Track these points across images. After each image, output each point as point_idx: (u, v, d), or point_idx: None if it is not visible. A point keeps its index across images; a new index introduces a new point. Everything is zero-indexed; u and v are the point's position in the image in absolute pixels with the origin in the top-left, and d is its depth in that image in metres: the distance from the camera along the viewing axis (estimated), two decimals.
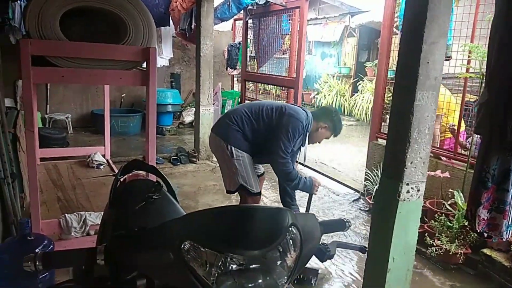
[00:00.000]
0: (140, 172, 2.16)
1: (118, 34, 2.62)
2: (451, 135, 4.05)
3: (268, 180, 5.07)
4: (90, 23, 2.72)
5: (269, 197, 4.66)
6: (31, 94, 2.28)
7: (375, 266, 2.54)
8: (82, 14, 2.63)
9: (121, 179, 1.97)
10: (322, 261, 1.06)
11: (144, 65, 2.68)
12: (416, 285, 2.96)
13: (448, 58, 3.65)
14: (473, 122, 2.57)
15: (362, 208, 4.44)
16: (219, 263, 0.79)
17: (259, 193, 3.08)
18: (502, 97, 1.38)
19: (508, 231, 1.57)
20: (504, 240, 1.73)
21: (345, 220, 1.13)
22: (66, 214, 2.81)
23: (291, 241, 0.88)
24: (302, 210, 3.23)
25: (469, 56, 3.52)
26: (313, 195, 3.00)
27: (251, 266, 0.82)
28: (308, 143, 3.04)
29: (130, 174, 2.02)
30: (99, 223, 2.81)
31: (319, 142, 3.10)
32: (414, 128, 2.23)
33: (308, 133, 2.94)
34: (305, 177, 2.93)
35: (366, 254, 1.46)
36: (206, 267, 0.80)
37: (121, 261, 0.87)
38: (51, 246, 2.36)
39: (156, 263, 0.83)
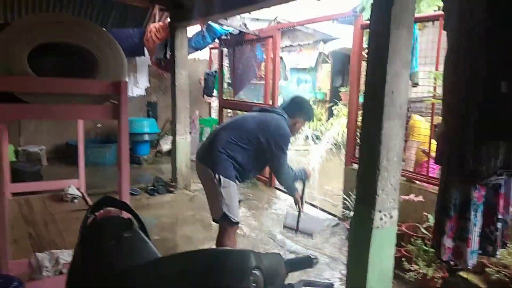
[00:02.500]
0: (112, 209, 2.13)
1: (90, 68, 2.63)
2: (426, 159, 4.13)
3: (248, 208, 5.05)
4: (62, 58, 2.71)
5: (250, 224, 4.62)
6: None
7: None
8: (54, 49, 2.63)
9: (92, 217, 1.93)
10: None
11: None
12: None
13: (415, 85, 3.79)
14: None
15: (341, 234, 4.44)
16: None
17: (238, 222, 3.10)
18: (458, 129, 1.44)
19: (473, 257, 1.61)
20: (469, 268, 1.77)
21: (311, 257, 1.13)
22: (37, 253, 2.72)
23: (254, 284, 0.88)
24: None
25: (435, 84, 3.65)
26: (307, 182, 3.42)
27: None
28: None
29: (101, 211, 1.99)
30: None
31: (297, 133, 3.39)
32: (383, 156, 2.29)
33: None
34: (299, 170, 3.30)
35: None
36: None
37: None
38: None
39: None
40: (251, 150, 2.98)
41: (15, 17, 6.21)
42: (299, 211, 3.39)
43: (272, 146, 2.95)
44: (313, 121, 3.46)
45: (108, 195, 2.07)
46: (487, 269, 2.93)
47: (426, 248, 3.33)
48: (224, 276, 0.85)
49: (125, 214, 2.11)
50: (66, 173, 6.42)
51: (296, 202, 3.34)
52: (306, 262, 1.12)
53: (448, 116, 1.50)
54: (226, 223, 2.99)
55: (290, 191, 3.34)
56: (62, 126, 7.59)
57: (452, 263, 1.63)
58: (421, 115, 4.39)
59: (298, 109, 3.17)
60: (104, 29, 2.73)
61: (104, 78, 2.53)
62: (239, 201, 3.33)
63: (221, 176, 2.90)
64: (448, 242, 1.57)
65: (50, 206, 4.20)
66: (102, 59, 2.52)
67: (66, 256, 2.80)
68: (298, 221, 3.44)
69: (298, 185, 3.36)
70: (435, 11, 4.46)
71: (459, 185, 1.51)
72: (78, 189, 4.54)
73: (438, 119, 4.08)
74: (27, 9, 6.10)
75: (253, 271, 0.88)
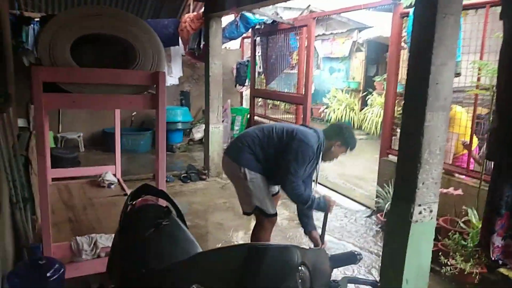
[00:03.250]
0: (150, 196, 2.17)
1: (128, 59, 2.66)
2: (465, 152, 4.00)
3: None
4: (102, 49, 2.77)
5: (281, 213, 4.60)
6: (43, 120, 2.31)
7: None
8: (94, 40, 2.68)
9: (131, 204, 1.97)
10: None
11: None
12: None
13: (457, 74, 3.63)
14: (485, 143, 2.56)
15: (374, 226, 4.38)
16: None
17: (275, 214, 3.04)
18: None
19: None
20: None
21: (356, 252, 1.11)
22: (77, 237, 2.81)
23: (300, 280, 0.86)
24: (319, 226, 3.12)
25: (478, 73, 3.49)
26: (329, 214, 2.97)
27: None
28: (325, 161, 3.02)
29: (140, 199, 2.03)
30: (109, 245, 2.82)
31: (336, 158, 3.05)
32: (425, 149, 2.21)
33: (321, 153, 2.92)
34: (319, 197, 2.90)
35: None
36: None
37: None
38: (62, 270, 2.38)
39: None
40: (271, 147, 2.89)
41: (56, 9, 6.41)
42: None
43: (286, 147, 2.81)
44: (352, 150, 3.01)
45: (146, 183, 2.11)
46: None
47: (464, 243, 3.23)
48: (270, 272, 0.84)
49: (163, 202, 2.15)
50: (102, 160, 6.62)
51: (314, 243, 2.98)
52: (351, 258, 1.10)
53: (502, 111, 1.42)
54: (261, 216, 2.98)
55: (305, 226, 3.00)
56: (98, 114, 7.79)
57: (500, 262, 1.56)
58: (461, 106, 4.23)
59: (337, 132, 2.95)
60: (142, 20, 2.74)
61: (143, 69, 2.56)
62: (277, 192, 3.29)
63: (246, 169, 2.86)
64: (498, 241, 1.50)
65: (88, 191, 4.31)
66: (141, 50, 2.55)
67: (104, 240, 2.89)
68: None
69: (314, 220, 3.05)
70: None
71: (511, 181, 1.44)
72: (114, 175, 4.64)
73: (480, 110, 3.92)
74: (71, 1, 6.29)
75: (299, 268, 0.87)
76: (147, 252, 1.47)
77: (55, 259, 2.46)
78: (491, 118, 2.33)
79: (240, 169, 2.88)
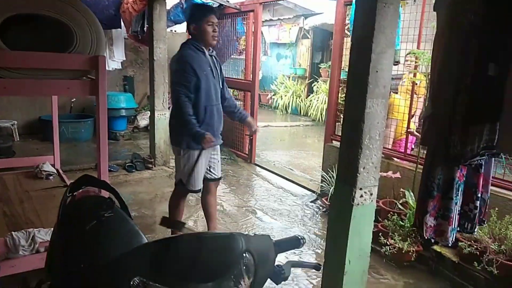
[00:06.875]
0: (92, 187, 2.08)
1: (66, 42, 2.51)
2: (403, 137, 4.20)
3: (228, 185, 5.06)
4: (38, 31, 2.58)
5: (230, 200, 4.64)
6: None
7: (332, 269, 2.60)
8: (29, 22, 2.49)
9: (71, 196, 1.88)
10: (277, 283, 1.07)
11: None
12: (372, 284, 3.05)
13: (396, 63, 3.80)
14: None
15: (319, 209, 4.52)
16: None
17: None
18: (446, 111, 1.45)
19: (452, 235, 1.66)
20: (449, 245, 1.83)
21: (299, 237, 1.14)
22: (13, 232, 2.64)
23: (244, 267, 0.87)
24: None
25: (416, 62, 3.67)
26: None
27: None
28: (213, 43, 3.06)
29: (80, 191, 1.93)
30: (49, 239, 2.68)
31: (214, 34, 3.02)
32: (366, 135, 2.29)
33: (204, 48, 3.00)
34: (199, 126, 2.88)
35: (321, 269, 1.42)
36: None
37: None
38: None
39: None
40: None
41: None
42: None
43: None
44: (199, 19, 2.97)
45: (86, 173, 2.01)
46: (460, 244, 3.04)
47: (402, 223, 3.42)
48: (214, 261, 0.84)
49: (105, 193, 2.07)
50: (40, 149, 6.24)
51: (251, 124, 3.33)
52: (294, 243, 1.13)
53: (435, 100, 1.51)
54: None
55: (243, 118, 3.33)
56: (34, 100, 7.33)
57: (433, 240, 1.68)
58: (395, 92, 4.45)
59: (192, 16, 3.02)
60: (80, 1, 2.58)
61: (81, 52, 2.42)
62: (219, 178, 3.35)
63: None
64: (430, 221, 1.61)
65: (24, 183, 4.06)
66: (79, 32, 2.41)
67: (42, 234, 2.74)
68: None
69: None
70: None
71: (443, 165, 1.54)
72: (52, 165, 4.41)
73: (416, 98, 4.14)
74: None
75: (244, 255, 0.87)
76: (88, 246, 1.41)
77: None
78: (425, 105, 2.48)
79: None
